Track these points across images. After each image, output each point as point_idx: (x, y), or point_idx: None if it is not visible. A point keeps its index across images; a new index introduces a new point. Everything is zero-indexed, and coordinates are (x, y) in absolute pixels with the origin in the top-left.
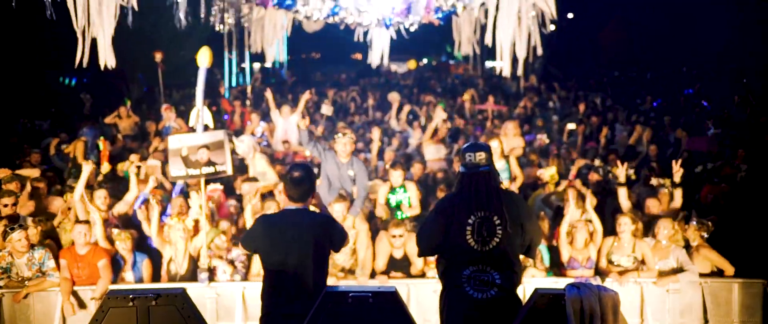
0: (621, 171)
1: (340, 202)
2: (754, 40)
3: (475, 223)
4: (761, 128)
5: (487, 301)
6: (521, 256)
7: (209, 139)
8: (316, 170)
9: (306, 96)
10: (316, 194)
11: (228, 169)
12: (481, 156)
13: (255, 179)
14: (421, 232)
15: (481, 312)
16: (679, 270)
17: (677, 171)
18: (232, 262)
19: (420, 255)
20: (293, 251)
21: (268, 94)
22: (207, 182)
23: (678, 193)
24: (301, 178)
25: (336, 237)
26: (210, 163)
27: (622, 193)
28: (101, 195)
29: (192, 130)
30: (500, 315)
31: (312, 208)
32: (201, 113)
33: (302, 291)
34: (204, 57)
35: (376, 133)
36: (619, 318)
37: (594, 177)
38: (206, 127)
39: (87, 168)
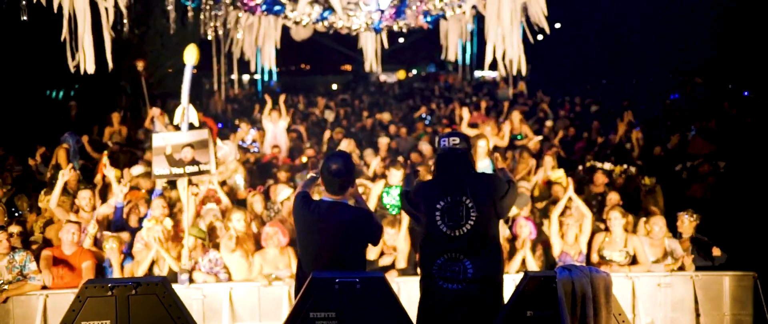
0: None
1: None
2: (738, 47)
3: (444, 208)
4: (747, 128)
5: (458, 292)
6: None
7: (194, 138)
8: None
9: (282, 97)
10: (355, 187)
11: (211, 168)
12: (455, 140)
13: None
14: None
15: (452, 304)
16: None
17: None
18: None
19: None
20: (327, 247)
21: (268, 99)
22: (189, 181)
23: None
24: (338, 170)
25: (373, 232)
26: (194, 162)
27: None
28: (86, 196)
29: (177, 128)
30: (473, 306)
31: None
32: (186, 111)
33: None
34: (191, 54)
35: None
36: (610, 299)
37: (600, 178)
38: (191, 126)
39: (63, 174)
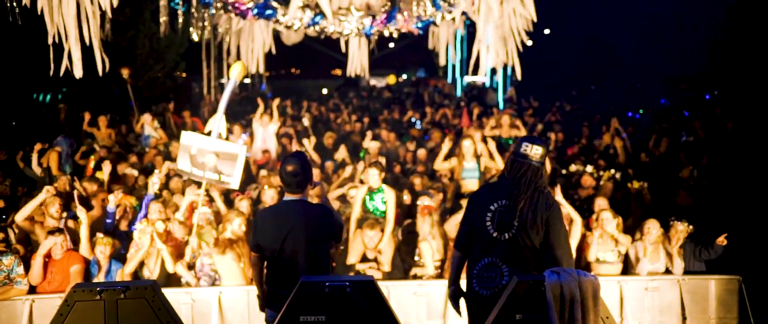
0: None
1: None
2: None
3: (496, 211)
4: (728, 134)
5: (488, 299)
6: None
7: (222, 148)
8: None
9: (276, 101)
10: (319, 184)
11: (234, 183)
12: (536, 150)
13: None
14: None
15: (481, 309)
16: (667, 271)
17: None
18: (191, 268)
19: (455, 245)
20: (287, 242)
21: (260, 103)
22: (197, 184)
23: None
24: (294, 171)
25: (332, 228)
26: (216, 170)
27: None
28: (53, 202)
29: (209, 133)
30: None
31: (315, 199)
32: (220, 121)
33: (294, 282)
34: (237, 70)
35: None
36: (599, 303)
37: (588, 180)
38: (219, 136)
39: (40, 196)
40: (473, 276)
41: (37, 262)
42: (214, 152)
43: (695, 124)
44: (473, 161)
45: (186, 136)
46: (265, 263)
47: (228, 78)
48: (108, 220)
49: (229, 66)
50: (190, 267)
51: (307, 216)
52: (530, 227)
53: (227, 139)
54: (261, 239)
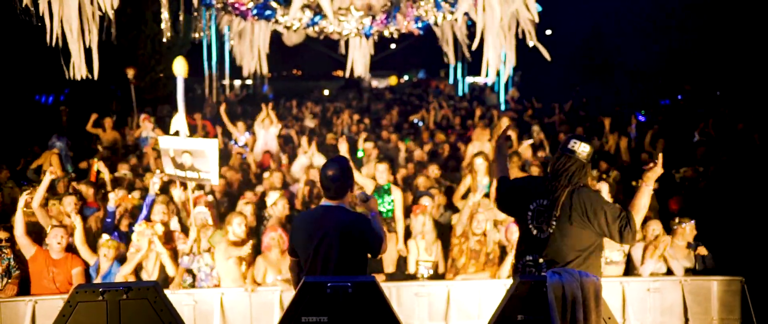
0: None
1: None
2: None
3: (535, 209)
4: (738, 134)
5: None
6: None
7: (191, 146)
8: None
9: (270, 105)
10: (357, 192)
11: (213, 178)
12: (584, 148)
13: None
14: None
15: None
16: (669, 272)
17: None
18: (190, 271)
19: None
20: (320, 249)
21: (264, 106)
22: (183, 185)
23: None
24: (334, 175)
25: (372, 239)
26: (194, 168)
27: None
28: (70, 201)
29: (176, 134)
30: None
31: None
32: (181, 119)
33: None
34: (180, 66)
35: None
36: (600, 303)
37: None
38: (177, 133)
39: (48, 177)
40: (517, 270)
41: (18, 218)
42: (187, 151)
43: (709, 123)
44: (487, 177)
45: (162, 140)
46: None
47: (176, 75)
48: (108, 220)
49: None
50: (189, 271)
51: (342, 224)
52: (570, 224)
53: (206, 136)
54: (295, 244)
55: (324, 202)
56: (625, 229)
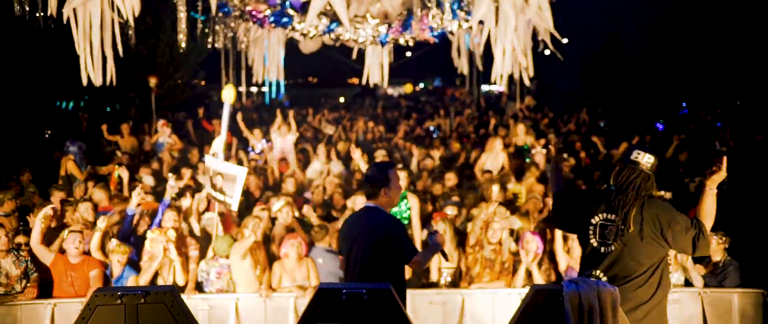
0: None
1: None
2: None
3: (598, 224)
4: (756, 145)
5: None
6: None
7: (225, 170)
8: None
9: (291, 112)
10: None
11: (233, 204)
12: (648, 159)
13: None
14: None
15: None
16: (687, 283)
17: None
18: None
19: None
20: (353, 248)
21: (279, 114)
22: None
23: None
24: (368, 175)
25: (403, 244)
26: (222, 190)
27: None
28: (86, 208)
29: (214, 155)
30: None
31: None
32: (220, 143)
33: None
34: (229, 93)
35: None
36: (618, 314)
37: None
38: (213, 155)
39: (39, 223)
40: None
41: (36, 228)
42: (220, 173)
43: (726, 133)
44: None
45: (208, 159)
46: None
47: (224, 101)
48: (125, 224)
49: (248, 74)
50: (197, 285)
51: (373, 227)
52: (641, 239)
53: (236, 156)
54: (339, 244)
55: (366, 203)
56: (698, 238)
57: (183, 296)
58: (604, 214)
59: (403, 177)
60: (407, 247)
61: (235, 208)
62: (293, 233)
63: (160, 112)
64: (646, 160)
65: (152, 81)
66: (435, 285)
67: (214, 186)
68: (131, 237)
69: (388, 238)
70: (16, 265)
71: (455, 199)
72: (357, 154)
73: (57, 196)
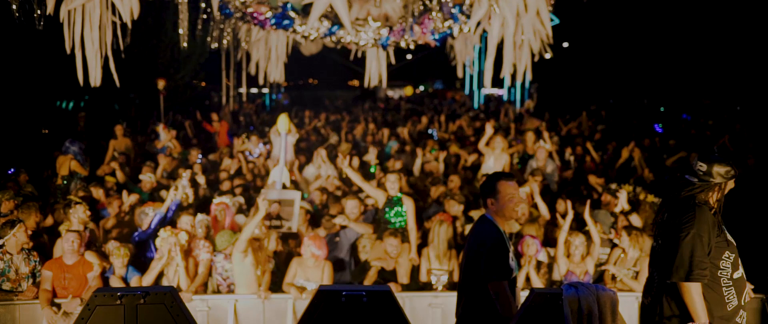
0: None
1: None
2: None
3: (659, 223)
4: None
5: (647, 307)
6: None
7: (281, 196)
8: None
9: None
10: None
11: (293, 226)
12: (701, 167)
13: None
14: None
15: (644, 316)
16: None
17: None
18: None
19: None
20: (462, 254)
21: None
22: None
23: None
24: (482, 185)
25: (479, 255)
26: (278, 217)
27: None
28: (83, 209)
29: (272, 184)
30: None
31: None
32: (281, 172)
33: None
34: (283, 124)
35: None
36: (617, 317)
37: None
38: (283, 186)
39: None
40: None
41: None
42: (276, 201)
43: (726, 138)
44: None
45: (263, 192)
46: None
47: (280, 132)
48: (142, 234)
49: (249, 75)
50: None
51: (471, 235)
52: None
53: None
54: None
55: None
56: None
57: (183, 296)
58: (664, 214)
59: (395, 180)
60: (487, 264)
61: (294, 229)
62: (316, 236)
63: (165, 114)
64: (699, 169)
65: (161, 83)
66: (429, 288)
67: (268, 215)
68: (151, 242)
69: (474, 251)
70: (26, 263)
71: (458, 199)
72: (344, 161)
73: (97, 192)
